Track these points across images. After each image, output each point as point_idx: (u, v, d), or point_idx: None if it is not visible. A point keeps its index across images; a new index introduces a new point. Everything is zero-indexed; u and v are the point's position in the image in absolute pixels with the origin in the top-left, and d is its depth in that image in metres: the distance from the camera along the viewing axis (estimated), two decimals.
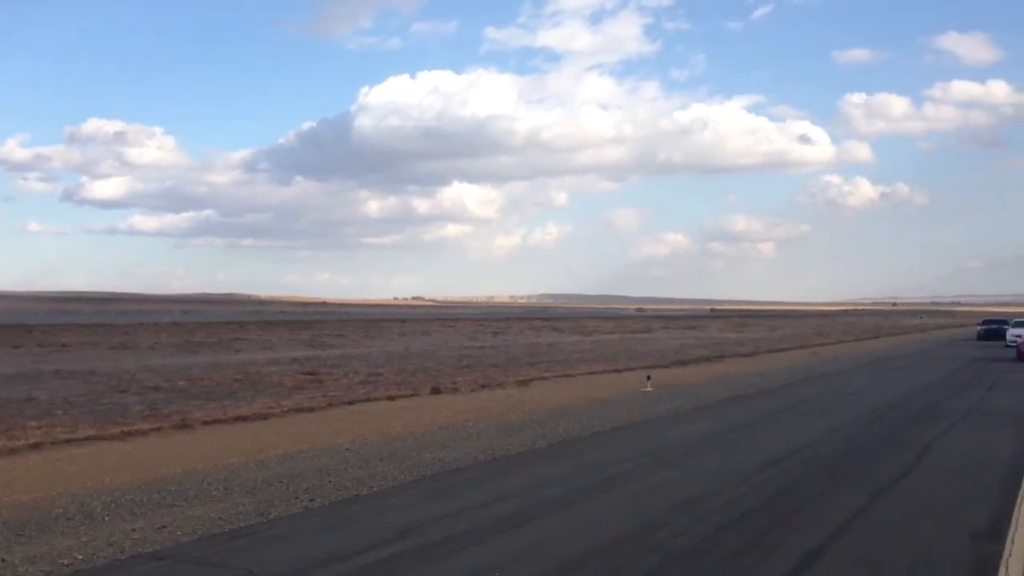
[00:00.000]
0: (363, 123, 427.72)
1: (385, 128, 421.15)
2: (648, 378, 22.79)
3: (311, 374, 25.69)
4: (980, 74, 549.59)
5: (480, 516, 8.61)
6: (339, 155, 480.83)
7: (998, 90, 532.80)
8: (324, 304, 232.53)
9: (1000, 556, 7.28)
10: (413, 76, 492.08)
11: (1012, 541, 7.70)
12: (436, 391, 21.01)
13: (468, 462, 11.62)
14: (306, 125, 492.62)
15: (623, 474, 10.96)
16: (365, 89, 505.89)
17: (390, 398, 19.45)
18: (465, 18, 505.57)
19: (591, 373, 27.48)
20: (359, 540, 7.72)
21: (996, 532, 8.05)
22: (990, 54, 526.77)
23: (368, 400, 19.03)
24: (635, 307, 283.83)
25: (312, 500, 9.32)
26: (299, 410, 17.03)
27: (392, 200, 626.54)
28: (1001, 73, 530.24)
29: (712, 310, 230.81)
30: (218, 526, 8.23)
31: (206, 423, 15.08)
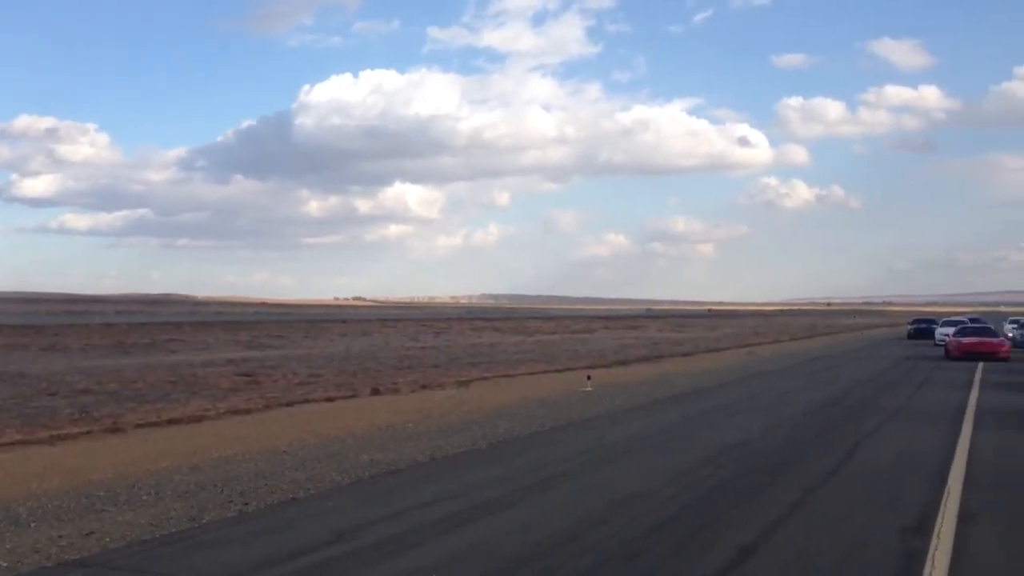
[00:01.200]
0: (304, 122, 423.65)
1: (327, 127, 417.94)
2: (588, 378, 22.92)
3: (248, 376, 25.33)
4: (913, 79, 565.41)
5: (418, 518, 8.56)
6: (279, 154, 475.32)
7: (930, 95, 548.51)
8: (263, 304, 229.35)
9: (927, 550, 7.46)
10: (355, 75, 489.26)
11: (938, 536, 7.89)
12: (376, 392, 20.87)
13: (407, 463, 11.55)
14: (245, 123, 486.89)
15: (562, 474, 10.99)
16: (306, 87, 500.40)
17: (329, 399, 19.27)
18: (408, 17, 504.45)
19: (532, 373, 27.55)
20: (294, 544, 7.62)
21: (923, 527, 8.25)
22: (922, 60, 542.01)
23: (307, 402, 18.83)
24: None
25: (247, 504, 9.17)
26: (235, 412, 16.77)
27: (333, 200, 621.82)
28: (933, 79, 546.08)
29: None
30: (148, 532, 8.05)
31: (138, 426, 14.78)
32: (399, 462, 11.60)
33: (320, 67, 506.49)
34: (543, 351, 40.79)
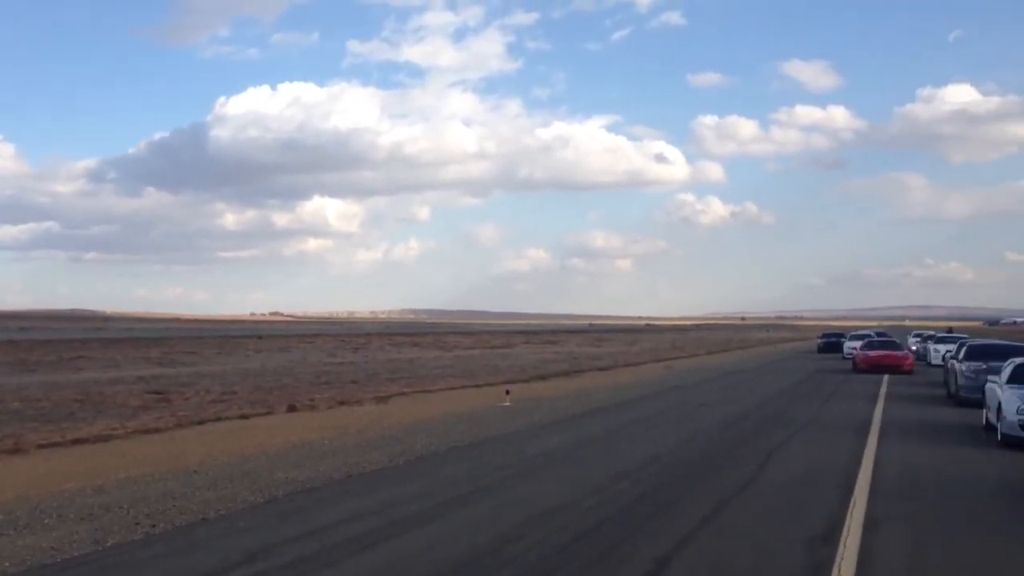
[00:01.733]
0: (220, 134, 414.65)
1: (243, 139, 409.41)
2: (507, 392, 22.95)
3: (159, 393, 24.66)
4: (822, 100, 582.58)
5: (334, 536, 8.44)
6: (194, 166, 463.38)
7: (838, 115, 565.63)
8: (175, 320, 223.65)
9: (833, 559, 7.66)
10: (273, 87, 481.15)
11: (844, 545, 8.11)
12: (292, 409, 20.53)
13: (323, 481, 11.38)
14: (158, 135, 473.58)
15: (481, 489, 10.97)
16: (222, 99, 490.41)
17: (244, 417, 18.88)
18: (327, 30, 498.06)
19: (451, 388, 27.46)
20: (203, 566, 7.43)
21: (831, 536, 8.47)
22: (831, 81, 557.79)
23: (220, 419, 18.41)
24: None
25: (154, 525, 8.91)
26: (144, 431, 16.30)
27: (250, 213, 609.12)
28: (841, 99, 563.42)
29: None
30: (49, 556, 7.76)
31: (41, 446, 14.23)
32: (315, 480, 11.42)
33: (237, 79, 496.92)
34: (463, 366, 40.71)
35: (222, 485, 11.01)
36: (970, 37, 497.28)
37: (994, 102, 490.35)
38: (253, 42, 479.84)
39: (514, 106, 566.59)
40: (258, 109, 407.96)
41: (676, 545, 8.14)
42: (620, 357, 51.06)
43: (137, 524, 8.95)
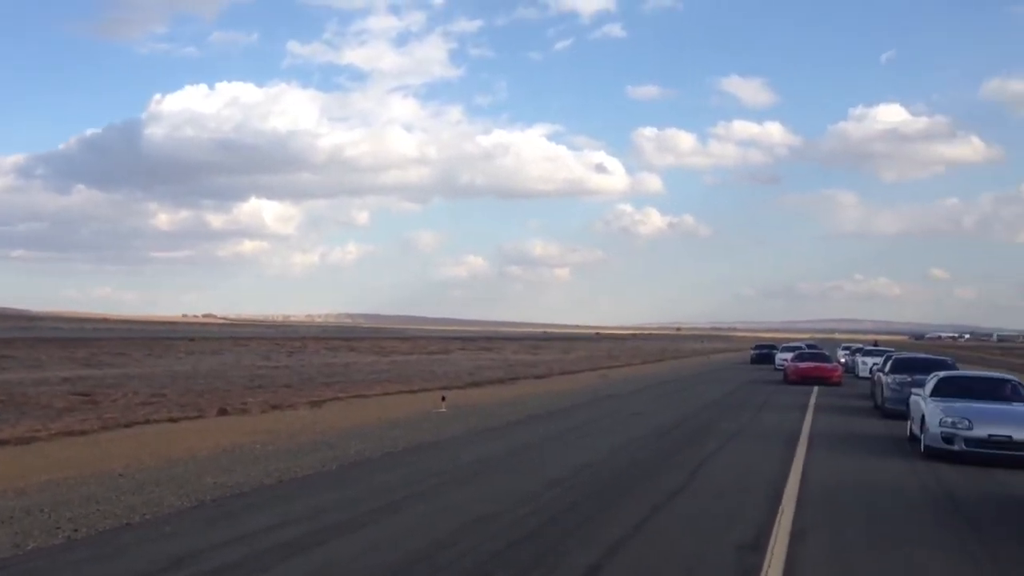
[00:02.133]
0: (154, 132, 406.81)
1: (179, 138, 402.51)
2: (443, 399, 22.87)
3: (85, 395, 24.06)
4: (758, 115, 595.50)
5: (262, 542, 8.31)
6: (127, 164, 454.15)
7: (774, 131, 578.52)
8: (104, 320, 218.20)
9: (760, 567, 7.79)
10: (211, 86, 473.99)
11: (772, 552, 8.25)
12: (224, 412, 20.19)
13: (252, 486, 11.20)
14: (90, 131, 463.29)
15: (414, 495, 10.91)
16: (157, 96, 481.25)
17: (173, 420, 18.50)
18: (268, 30, 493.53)
19: (387, 394, 27.28)
20: (126, 571, 7.26)
21: (758, 544, 8.61)
22: (767, 98, 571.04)
23: (148, 422, 18.01)
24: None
25: (76, 530, 8.67)
26: (69, 433, 15.88)
27: (185, 213, 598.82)
28: (777, 116, 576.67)
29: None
30: None
31: None
32: (244, 485, 11.23)
33: (173, 77, 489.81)
34: (399, 371, 40.48)
35: (148, 489, 10.77)
36: (901, 58, 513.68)
37: (923, 122, 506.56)
38: (191, 40, 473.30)
39: (455, 113, 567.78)
40: (195, 108, 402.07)
41: (607, 552, 8.19)
42: (556, 365, 51.27)
43: (59, 528, 8.70)
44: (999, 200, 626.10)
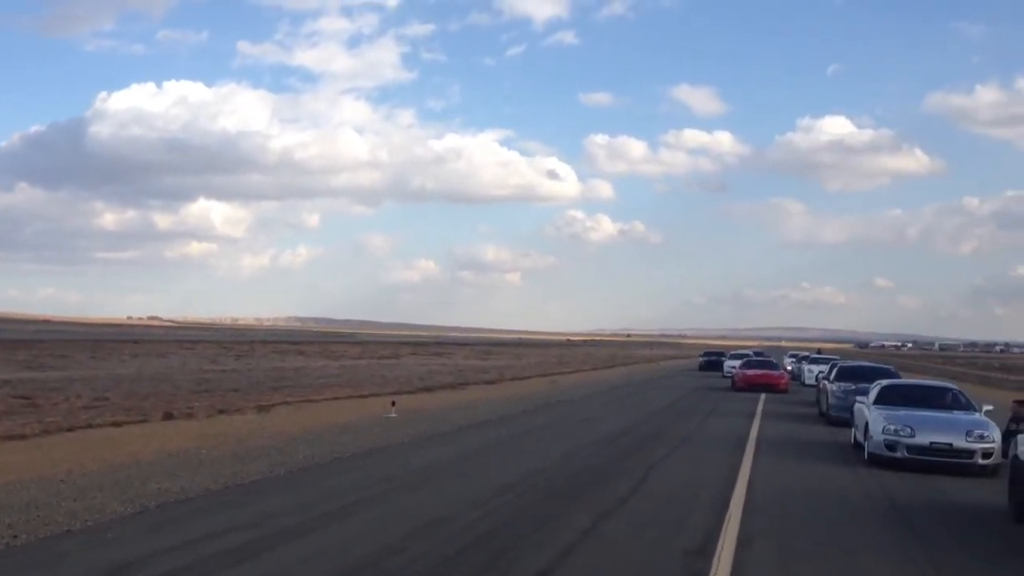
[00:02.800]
0: (100, 130, 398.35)
1: (125, 137, 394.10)
2: (393, 404, 22.75)
3: (26, 398, 23.49)
4: (708, 124, 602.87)
5: (207, 548, 8.18)
6: (71, 163, 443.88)
7: (724, 140, 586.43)
8: (46, 321, 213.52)
9: (707, 572, 7.86)
10: (159, 85, 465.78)
11: (718, 558, 8.33)
12: (169, 416, 19.85)
13: (198, 491, 11.02)
14: (34, 128, 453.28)
15: (363, 500, 10.83)
16: (103, 94, 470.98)
17: (116, 424, 18.14)
18: (218, 30, 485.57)
19: (336, 398, 27.05)
20: None
21: (706, 550, 8.69)
22: (717, 107, 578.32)
23: (91, 427, 17.63)
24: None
25: (15, 536, 8.45)
26: (8, 437, 15.48)
27: (131, 213, 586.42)
28: (726, 125, 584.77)
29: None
30: None
31: None
32: (190, 490, 11.05)
33: (120, 74, 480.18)
34: (349, 376, 40.18)
35: (90, 495, 10.54)
36: (847, 71, 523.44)
37: (868, 134, 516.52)
38: (139, 38, 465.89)
39: (407, 116, 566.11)
40: (142, 106, 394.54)
41: (557, 557, 8.21)
42: (507, 371, 51.29)
43: None
44: (941, 211, 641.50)
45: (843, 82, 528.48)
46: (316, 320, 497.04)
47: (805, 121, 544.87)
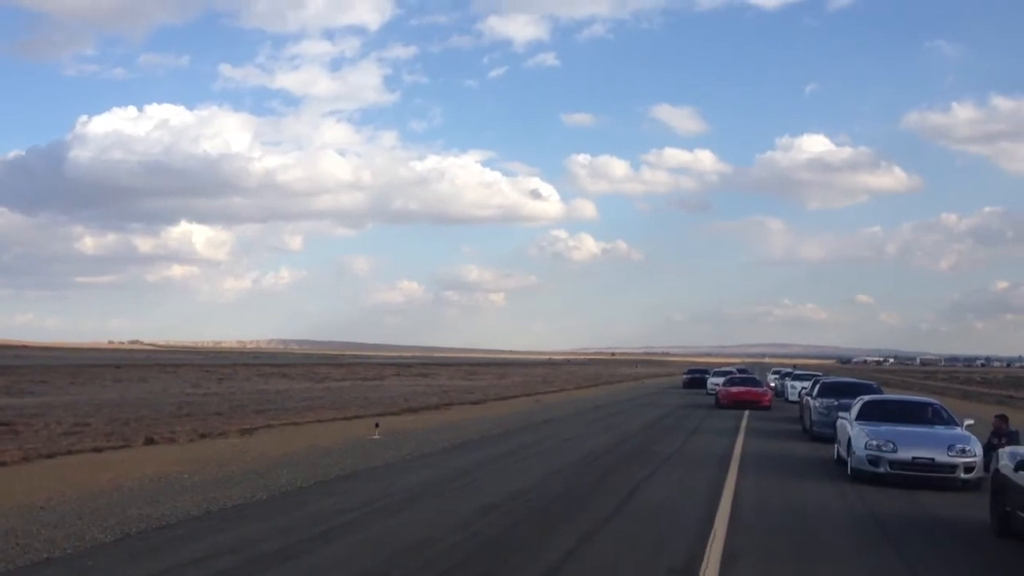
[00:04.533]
0: (80, 154, 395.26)
1: (106, 161, 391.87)
2: (377, 425, 22.65)
3: (5, 425, 23.22)
4: (689, 143, 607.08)
5: (188, 575, 8.10)
6: (51, 187, 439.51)
7: (705, 159, 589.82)
8: (25, 347, 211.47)
9: None
10: (140, 108, 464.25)
11: None
12: (151, 441, 19.67)
13: (179, 517, 10.92)
14: (12, 153, 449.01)
15: (346, 524, 10.76)
16: (83, 118, 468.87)
17: (97, 450, 17.97)
18: (199, 53, 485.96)
19: (320, 421, 26.89)
20: None
21: (690, 568, 8.68)
22: (698, 126, 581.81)
23: (71, 453, 17.46)
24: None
25: None
26: None
27: (111, 237, 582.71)
28: (707, 144, 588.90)
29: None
30: None
31: None
32: (170, 516, 10.95)
33: (101, 98, 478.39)
34: (332, 398, 39.97)
35: (70, 522, 10.43)
36: (825, 90, 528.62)
37: (847, 152, 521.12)
38: (119, 61, 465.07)
39: (390, 138, 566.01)
40: (123, 130, 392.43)
41: None
42: (491, 391, 51.18)
43: None
44: (919, 228, 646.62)
45: (821, 101, 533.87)
46: (299, 342, 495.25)
47: (784, 140, 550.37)
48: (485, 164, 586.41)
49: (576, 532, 10.38)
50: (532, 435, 23.70)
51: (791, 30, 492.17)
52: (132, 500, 12.01)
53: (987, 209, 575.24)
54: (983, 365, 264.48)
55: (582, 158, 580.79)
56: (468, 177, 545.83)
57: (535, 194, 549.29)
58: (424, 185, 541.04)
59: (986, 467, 13.61)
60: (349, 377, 70.59)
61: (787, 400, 41.78)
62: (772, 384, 49.18)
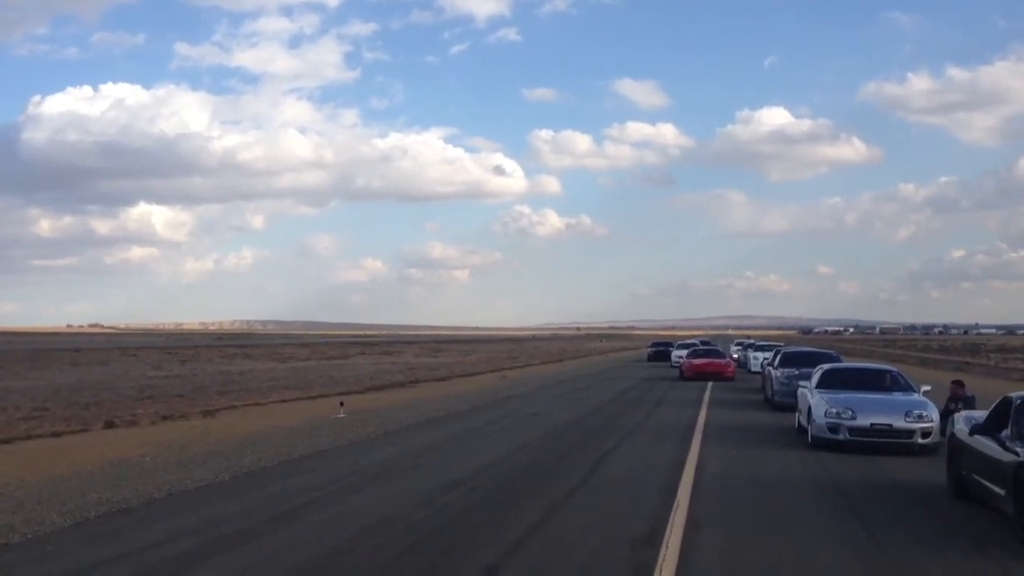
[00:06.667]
0: (34, 136, 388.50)
1: (61, 142, 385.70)
2: (341, 404, 22.57)
3: None
4: (652, 117, 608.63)
5: (149, 558, 8.03)
6: (5, 170, 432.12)
7: (667, 133, 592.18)
8: None
9: (656, 560, 7.91)
10: (95, 88, 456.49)
11: (666, 547, 8.39)
12: (111, 425, 19.44)
13: (141, 500, 10.81)
14: None
15: (310, 503, 10.71)
16: (36, 99, 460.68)
17: (56, 435, 17.72)
18: (154, 32, 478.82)
19: (284, 401, 26.74)
20: None
21: (654, 539, 8.74)
22: (660, 100, 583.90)
23: (30, 438, 17.21)
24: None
25: None
26: None
27: (68, 220, 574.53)
28: (669, 117, 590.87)
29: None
30: None
31: None
32: (132, 499, 10.83)
33: (54, 78, 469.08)
34: (296, 378, 39.76)
35: (29, 507, 10.28)
36: (783, 63, 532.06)
37: (807, 124, 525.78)
38: (73, 41, 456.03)
39: (351, 116, 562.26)
40: (78, 110, 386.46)
41: (505, 553, 8.20)
42: (456, 367, 51.21)
43: None
44: (878, 198, 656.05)
45: (780, 73, 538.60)
46: (263, 323, 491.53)
47: (745, 113, 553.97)
48: (448, 141, 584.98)
49: (542, 505, 10.41)
50: (498, 411, 23.74)
51: (750, 3, 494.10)
52: (92, 484, 11.86)
53: (943, 179, 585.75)
54: (941, 333, 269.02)
55: (545, 133, 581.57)
56: (431, 154, 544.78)
57: (498, 170, 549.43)
58: (387, 163, 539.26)
59: (943, 432, 13.85)
60: (313, 357, 70.24)
61: (750, 371, 42.20)
62: (735, 356, 49.67)
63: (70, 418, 20.99)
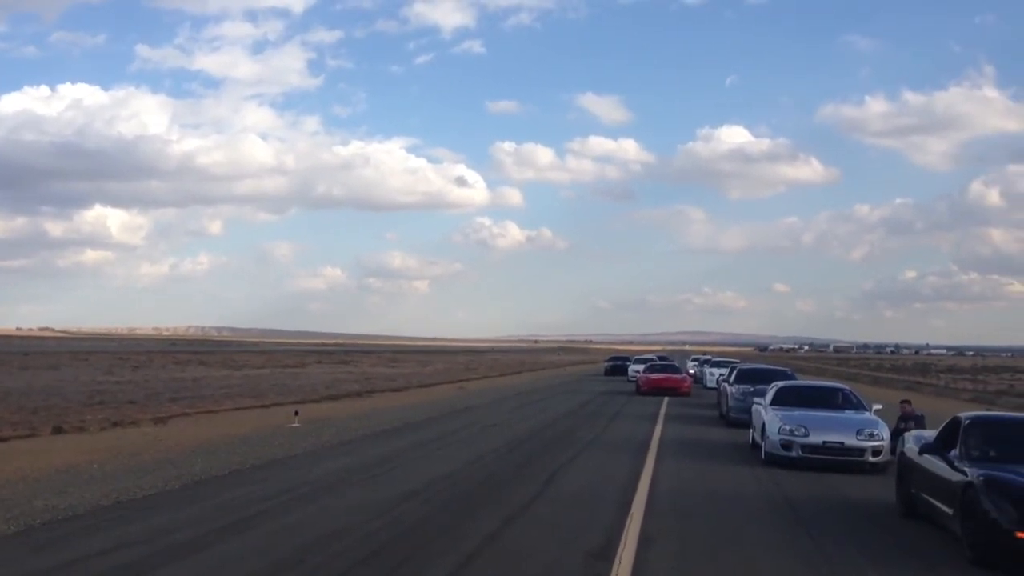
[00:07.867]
0: None
1: (16, 141, 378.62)
2: (296, 413, 22.33)
3: None
4: (614, 132, 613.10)
5: (95, 567, 7.86)
6: None
7: (629, 148, 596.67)
8: None
9: (609, 573, 7.92)
10: (53, 88, 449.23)
11: (620, 559, 8.41)
12: (59, 430, 19.05)
13: (87, 508, 10.59)
14: None
15: (261, 513, 10.57)
16: None
17: (2, 439, 17.32)
18: (115, 33, 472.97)
19: (238, 409, 26.40)
20: None
21: (607, 551, 8.76)
22: (622, 115, 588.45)
23: None
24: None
25: None
26: None
27: (20, 221, 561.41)
28: (631, 133, 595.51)
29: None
30: None
31: None
32: (78, 507, 10.60)
33: (10, 77, 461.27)
34: (251, 386, 39.29)
35: None
36: (744, 83, 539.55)
37: (766, 144, 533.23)
38: (31, 39, 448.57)
39: (313, 123, 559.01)
40: (34, 110, 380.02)
41: (460, 564, 8.16)
42: (414, 378, 50.97)
43: None
44: (835, 218, 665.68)
45: (740, 93, 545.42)
46: (218, 329, 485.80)
47: (705, 130, 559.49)
48: (410, 150, 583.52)
49: (497, 517, 10.38)
50: (454, 422, 23.65)
51: (713, 22, 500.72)
52: (38, 490, 11.60)
53: (898, 201, 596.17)
54: (893, 352, 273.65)
55: (507, 145, 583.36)
56: (393, 163, 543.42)
57: (460, 181, 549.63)
58: (348, 171, 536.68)
59: (893, 450, 14.04)
60: (269, 364, 69.47)
61: (705, 387, 42.49)
62: (691, 371, 50.03)
63: (17, 423, 20.53)
